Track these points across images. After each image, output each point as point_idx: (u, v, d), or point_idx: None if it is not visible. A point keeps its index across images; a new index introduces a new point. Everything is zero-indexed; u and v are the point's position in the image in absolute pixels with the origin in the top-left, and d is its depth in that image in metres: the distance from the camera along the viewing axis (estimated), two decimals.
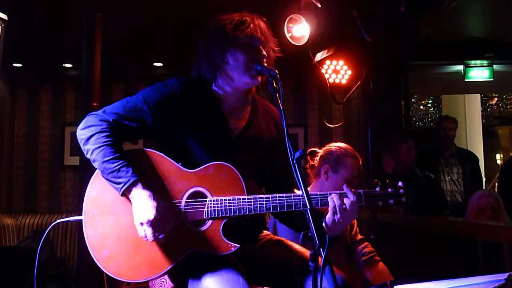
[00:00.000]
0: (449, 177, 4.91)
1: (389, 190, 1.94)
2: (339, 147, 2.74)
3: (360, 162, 2.73)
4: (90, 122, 1.83)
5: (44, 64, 5.62)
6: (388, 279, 2.67)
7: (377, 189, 1.93)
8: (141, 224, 1.70)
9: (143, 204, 1.71)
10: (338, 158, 2.69)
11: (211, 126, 1.94)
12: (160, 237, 1.72)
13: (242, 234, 1.86)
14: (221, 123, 1.96)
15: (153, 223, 1.69)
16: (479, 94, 7.97)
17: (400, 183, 1.94)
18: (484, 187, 5.18)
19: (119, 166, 1.74)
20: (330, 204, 1.85)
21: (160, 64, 5.68)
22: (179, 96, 1.91)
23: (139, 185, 1.73)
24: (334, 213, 1.85)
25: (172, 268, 1.77)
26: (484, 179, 7.56)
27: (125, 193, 1.75)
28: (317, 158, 2.76)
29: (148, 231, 1.70)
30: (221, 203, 1.80)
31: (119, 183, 1.74)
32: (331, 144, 2.79)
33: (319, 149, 2.81)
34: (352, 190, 1.88)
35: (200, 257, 1.78)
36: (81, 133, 1.83)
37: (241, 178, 1.82)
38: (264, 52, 1.93)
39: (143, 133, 1.92)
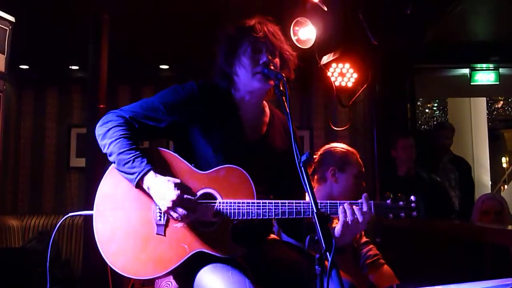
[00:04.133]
0: (448, 183, 4.90)
1: (400, 203, 1.89)
2: (334, 147, 2.73)
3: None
4: (107, 118, 1.87)
5: (51, 66, 5.64)
6: (392, 282, 2.66)
7: (388, 201, 1.89)
8: (168, 208, 1.71)
9: (161, 189, 1.73)
10: (341, 157, 2.68)
11: (227, 129, 1.94)
12: (191, 214, 1.74)
13: (250, 238, 1.86)
14: (238, 128, 1.97)
15: (178, 202, 1.70)
16: (484, 98, 7.94)
17: (412, 198, 1.89)
18: (476, 195, 5.17)
19: (134, 157, 1.77)
20: (341, 217, 1.81)
21: (166, 67, 5.68)
22: (196, 98, 1.93)
23: (152, 173, 1.75)
24: (345, 224, 1.81)
25: (177, 267, 1.77)
26: (489, 182, 7.53)
27: (140, 184, 1.77)
28: (315, 164, 2.75)
29: (179, 211, 1.72)
30: (230, 206, 1.80)
31: (133, 173, 1.76)
32: (324, 148, 2.78)
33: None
34: (366, 200, 1.84)
35: (206, 258, 1.79)
36: (99, 129, 1.87)
37: (251, 183, 1.82)
38: (270, 56, 1.92)
39: (159, 132, 1.93)
